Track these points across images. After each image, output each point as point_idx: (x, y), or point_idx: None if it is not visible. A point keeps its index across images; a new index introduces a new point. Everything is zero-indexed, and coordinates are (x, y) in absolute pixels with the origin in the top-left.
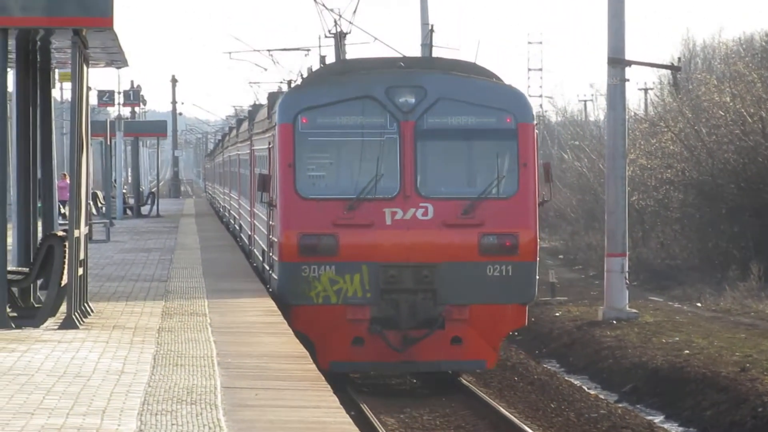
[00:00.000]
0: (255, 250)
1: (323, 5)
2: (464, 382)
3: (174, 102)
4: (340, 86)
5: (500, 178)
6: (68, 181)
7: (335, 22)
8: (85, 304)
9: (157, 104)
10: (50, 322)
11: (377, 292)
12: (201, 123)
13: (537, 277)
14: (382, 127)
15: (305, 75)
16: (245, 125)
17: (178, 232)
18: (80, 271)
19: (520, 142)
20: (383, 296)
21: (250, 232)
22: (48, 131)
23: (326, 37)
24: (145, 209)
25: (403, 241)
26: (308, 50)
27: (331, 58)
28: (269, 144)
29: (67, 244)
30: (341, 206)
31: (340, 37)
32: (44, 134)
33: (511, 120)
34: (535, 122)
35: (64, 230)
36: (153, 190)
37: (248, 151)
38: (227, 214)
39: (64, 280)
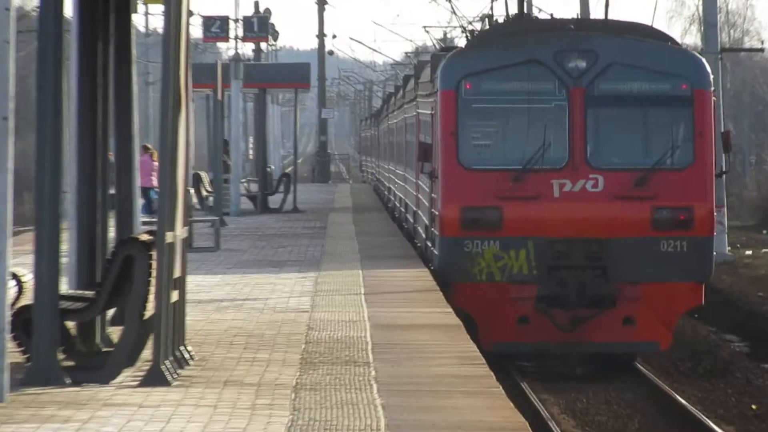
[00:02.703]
0: (419, 227)
1: None
2: (640, 366)
3: (321, 35)
4: (507, 50)
5: (674, 148)
6: (155, 159)
7: None
8: (182, 348)
9: (295, 39)
10: (126, 375)
11: (544, 268)
12: (362, 68)
13: (714, 253)
14: (550, 94)
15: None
16: (411, 84)
17: (326, 236)
18: (174, 296)
19: (696, 110)
20: (550, 273)
21: (415, 208)
22: (126, 80)
23: None
24: (275, 200)
25: (572, 215)
26: None
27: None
28: (432, 110)
29: (154, 254)
30: (506, 177)
31: None
32: (119, 85)
33: (687, 86)
34: (712, 89)
35: (149, 233)
36: (287, 171)
37: (414, 114)
38: (393, 198)
39: (149, 310)
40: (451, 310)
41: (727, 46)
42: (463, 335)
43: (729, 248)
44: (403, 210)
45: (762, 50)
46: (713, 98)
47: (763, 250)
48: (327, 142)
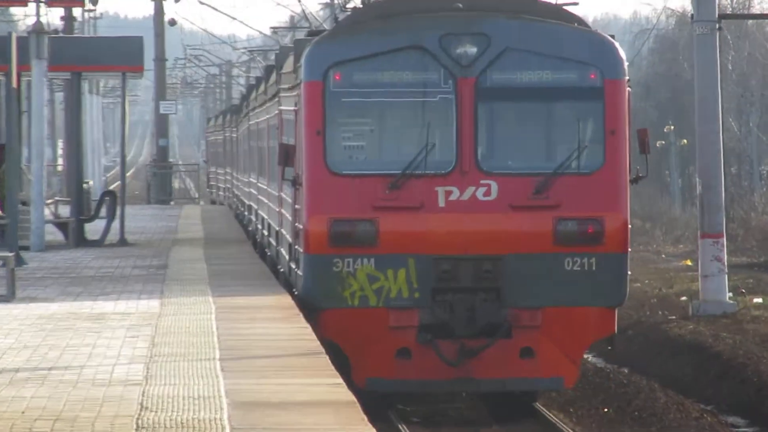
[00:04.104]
0: (282, 249)
1: None
2: (540, 408)
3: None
4: (383, 34)
5: (582, 149)
6: None
7: None
8: None
9: (122, 2)
10: None
11: (427, 291)
12: (217, 44)
13: (629, 272)
14: (434, 85)
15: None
16: (274, 76)
17: (168, 280)
18: None
19: (608, 104)
20: (435, 297)
21: (278, 228)
22: None
23: None
24: (94, 228)
25: (460, 228)
26: None
27: None
28: (295, 105)
29: None
30: (382, 184)
31: None
32: None
33: (597, 76)
34: (627, 78)
35: None
36: (112, 188)
37: (276, 113)
38: (255, 220)
39: None
40: (341, 380)
41: (729, 10)
42: (358, 415)
43: (730, 294)
44: (265, 233)
45: None
46: (628, 89)
47: None
48: (168, 148)
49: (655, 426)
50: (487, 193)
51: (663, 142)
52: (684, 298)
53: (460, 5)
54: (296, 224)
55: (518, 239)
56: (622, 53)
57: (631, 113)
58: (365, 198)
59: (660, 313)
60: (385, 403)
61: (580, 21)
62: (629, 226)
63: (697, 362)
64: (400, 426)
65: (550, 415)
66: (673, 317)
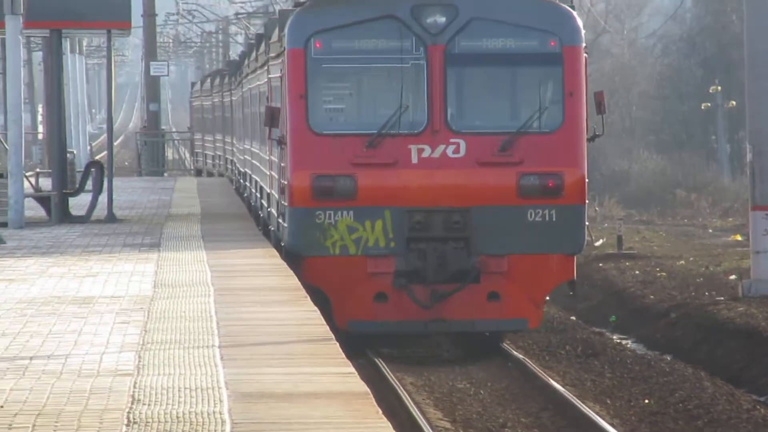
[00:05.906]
0: (272, 209)
1: None
2: (509, 347)
3: None
4: (359, 4)
5: (542, 110)
6: None
7: None
8: None
9: None
10: None
11: (402, 240)
12: (213, 1)
13: (586, 223)
14: (407, 52)
15: None
16: (263, 46)
17: (161, 259)
18: None
19: (567, 68)
20: (409, 245)
21: (269, 190)
22: None
23: None
24: (79, 203)
25: (432, 183)
26: None
27: None
28: (281, 71)
29: None
30: (360, 143)
31: None
32: None
33: (556, 43)
34: (584, 45)
35: None
36: (98, 159)
37: (266, 81)
38: (250, 185)
39: None
40: (352, 369)
41: None
42: (371, 408)
43: None
44: (258, 196)
45: None
46: (585, 55)
47: None
48: (160, 114)
49: (701, 419)
50: (456, 151)
51: (709, 104)
52: (733, 277)
53: None
54: (282, 181)
55: (485, 193)
56: (580, 22)
57: (587, 77)
58: (344, 155)
59: (706, 293)
60: (364, 340)
61: None
62: (586, 180)
63: (749, 348)
64: (377, 360)
65: (517, 353)
66: (722, 298)
